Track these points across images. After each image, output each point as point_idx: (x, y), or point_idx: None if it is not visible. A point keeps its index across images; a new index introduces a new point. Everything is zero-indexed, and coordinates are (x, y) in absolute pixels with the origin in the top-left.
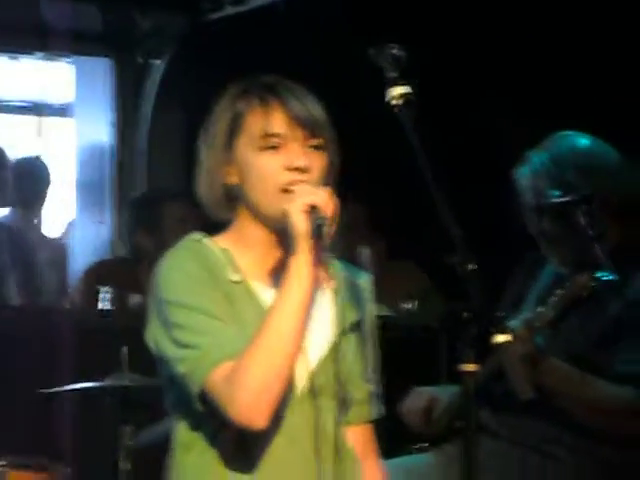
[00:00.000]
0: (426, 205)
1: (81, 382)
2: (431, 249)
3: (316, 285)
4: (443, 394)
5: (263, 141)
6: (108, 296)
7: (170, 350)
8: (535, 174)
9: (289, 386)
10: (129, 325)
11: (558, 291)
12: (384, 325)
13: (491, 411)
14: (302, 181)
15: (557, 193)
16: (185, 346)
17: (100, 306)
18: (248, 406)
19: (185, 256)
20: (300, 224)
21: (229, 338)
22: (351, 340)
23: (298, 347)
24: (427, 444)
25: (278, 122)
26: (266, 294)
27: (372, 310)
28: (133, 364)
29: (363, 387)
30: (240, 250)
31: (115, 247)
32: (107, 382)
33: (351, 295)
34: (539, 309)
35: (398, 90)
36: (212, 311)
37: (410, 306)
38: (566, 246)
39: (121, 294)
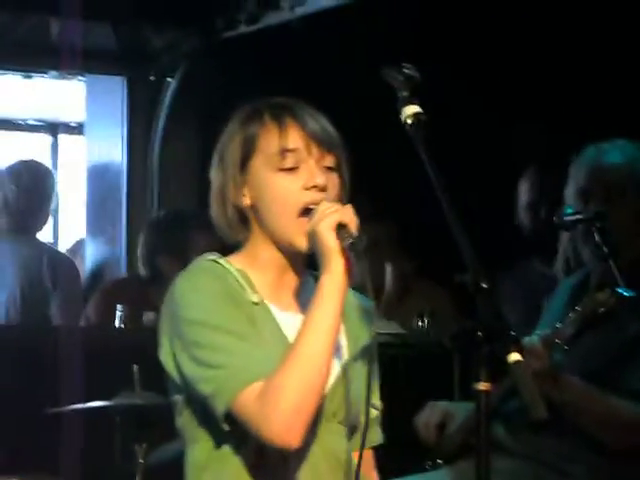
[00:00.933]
0: (439, 224)
1: (93, 400)
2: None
3: None
4: (458, 410)
5: (280, 159)
6: (121, 314)
7: (193, 370)
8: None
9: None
10: (141, 343)
11: (577, 307)
12: (398, 343)
13: (506, 428)
14: (323, 199)
15: (570, 210)
16: (211, 366)
17: (116, 324)
18: (283, 426)
19: (205, 276)
20: (331, 242)
21: (257, 359)
22: (359, 366)
23: (330, 365)
24: (440, 461)
25: (294, 138)
26: (281, 316)
27: (374, 335)
28: (145, 382)
29: (367, 412)
30: (254, 272)
31: (128, 265)
32: (119, 400)
33: (360, 320)
34: (557, 325)
35: (410, 109)
36: (238, 331)
37: (422, 324)
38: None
39: (134, 312)
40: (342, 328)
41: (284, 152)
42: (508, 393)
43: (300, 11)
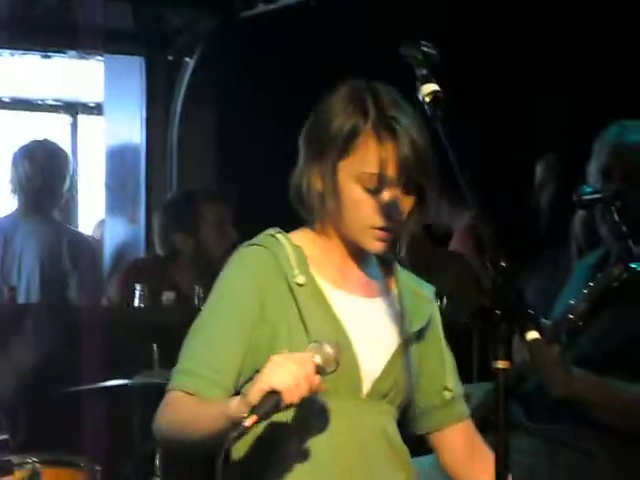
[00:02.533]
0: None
1: (113, 379)
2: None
3: (380, 292)
4: (475, 390)
5: (370, 179)
6: (141, 294)
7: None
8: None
9: (357, 390)
10: (161, 322)
11: (590, 283)
12: None
13: (524, 407)
14: (384, 228)
15: (589, 189)
16: (188, 352)
17: (135, 303)
18: (158, 434)
19: (253, 257)
20: (251, 396)
21: (207, 372)
22: (415, 348)
23: (201, 441)
24: None
25: (388, 166)
26: (334, 294)
27: (439, 321)
28: (164, 361)
29: (436, 394)
30: (314, 250)
31: (147, 245)
32: (138, 379)
33: (414, 304)
34: (571, 302)
35: (428, 87)
36: (227, 341)
37: (440, 304)
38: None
39: (153, 291)
40: (397, 310)
41: (379, 176)
42: (525, 370)
43: None
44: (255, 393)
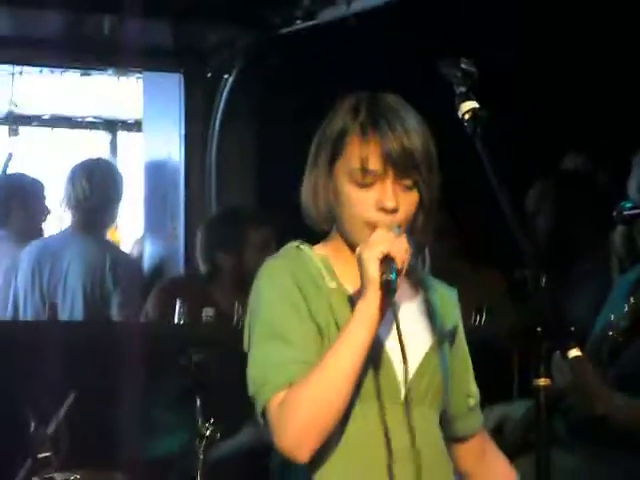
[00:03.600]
0: (498, 220)
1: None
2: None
3: (409, 297)
4: (514, 410)
5: (358, 175)
6: (180, 310)
7: (248, 364)
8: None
9: (394, 394)
10: (201, 339)
11: (631, 299)
12: None
13: (566, 425)
14: (388, 221)
15: (629, 204)
16: (255, 366)
17: (175, 320)
18: (293, 441)
19: (283, 269)
20: (373, 272)
21: (293, 361)
22: (444, 352)
23: (350, 389)
24: None
25: (374, 159)
26: None
27: (461, 324)
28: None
29: (461, 401)
30: (337, 259)
31: (186, 262)
32: (178, 396)
33: (442, 305)
34: (612, 318)
35: (468, 105)
36: (286, 331)
37: (480, 319)
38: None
39: (193, 308)
40: (425, 314)
41: (363, 170)
42: (566, 388)
43: (356, 7)
44: (371, 267)
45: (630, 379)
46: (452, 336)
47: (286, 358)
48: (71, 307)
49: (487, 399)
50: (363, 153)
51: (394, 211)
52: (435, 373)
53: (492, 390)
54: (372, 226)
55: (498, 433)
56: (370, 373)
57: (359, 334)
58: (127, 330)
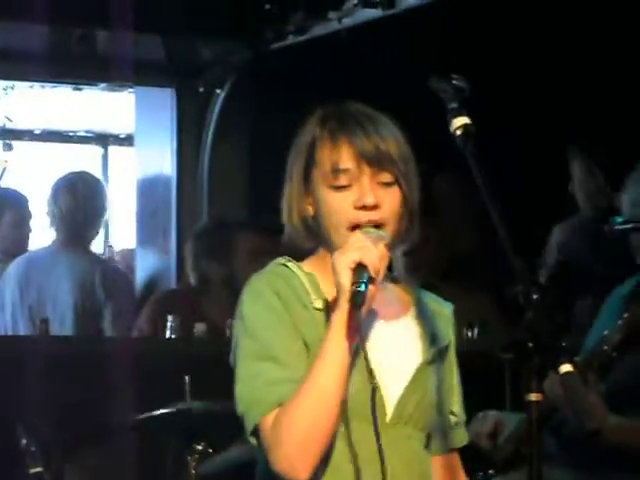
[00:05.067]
0: (488, 235)
1: (145, 411)
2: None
3: (398, 314)
4: (509, 419)
5: (332, 177)
6: (172, 325)
7: (235, 381)
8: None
9: (380, 415)
10: (193, 354)
11: (624, 314)
12: None
13: (558, 439)
14: (370, 219)
15: (621, 219)
16: (244, 385)
17: (167, 334)
18: (288, 461)
19: (268, 286)
20: (344, 281)
21: (283, 380)
22: (434, 370)
23: (338, 400)
24: (492, 472)
25: (346, 158)
26: None
27: (453, 340)
28: (196, 393)
29: (443, 417)
30: (323, 276)
31: (178, 276)
32: (170, 410)
33: (433, 324)
34: (605, 332)
35: (459, 121)
36: (275, 350)
37: (472, 334)
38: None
39: (185, 323)
40: (416, 332)
41: (336, 171)
42: (559, 403)
43: (348, 22)
44: (343, 276)
45: (622, 395)
46: (442, 355)
47: (276, 377)
48: (61, 322)
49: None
50: (334, 154)
51: (375, 207)
52: (423, 392)
53: (484, 405)
54: (355, 228)
55: (493, 437)
56: (356, 393)
57: (335, 346)
58: (119, 345)
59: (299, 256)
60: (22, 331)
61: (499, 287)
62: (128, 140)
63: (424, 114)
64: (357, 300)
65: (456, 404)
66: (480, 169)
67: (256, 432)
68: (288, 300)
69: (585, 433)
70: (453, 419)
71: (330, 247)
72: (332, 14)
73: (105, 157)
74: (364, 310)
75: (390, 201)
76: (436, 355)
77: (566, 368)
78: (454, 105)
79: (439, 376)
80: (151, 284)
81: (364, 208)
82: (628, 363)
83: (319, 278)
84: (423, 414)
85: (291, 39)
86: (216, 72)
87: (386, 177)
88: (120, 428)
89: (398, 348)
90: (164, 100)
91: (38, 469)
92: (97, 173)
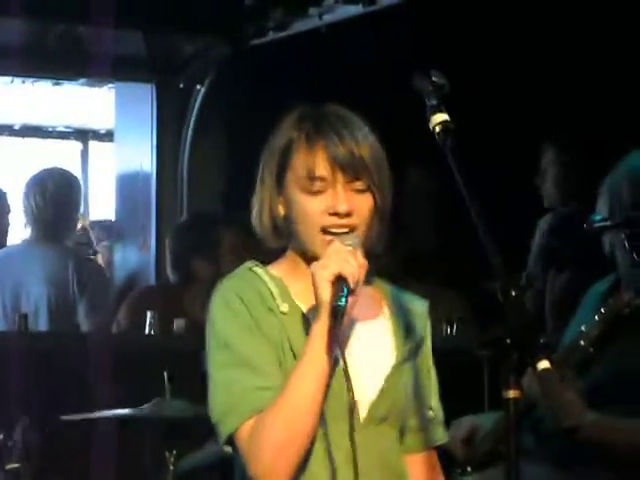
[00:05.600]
0: (467, 231)
1: (124, 407)
2: (471, 275)
3: (371, 315)
4: (484, 421)
5: (307, 183)
6: (151, 321)
7: (208, 388)
8: (606, 192)
9: (354, 414)
10: (172, 350)
11: (601, 309)
12: None
13: (535, 436)
14: (342, 225)
15: (599, 217)
16: (217, 393)
17: (146, 331)
18: (265, 469)
19: (233, 288)
20: (324, 295)
21: (260, 392)
22: (408, 368)
23: (317, 411)
24: (470, 469)
25: (321, 165)
26: None
27: (429, 336)
28: (176, 389)
29: (421, 414)
30: (293, 278)
31: (157, 272)
32: (149, 407)
33: (407, 321)
34: (582, 328)
35: (438, 117)
36: (251, 361)
37: (450, 331)
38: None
39: (164, 319)
40: (391, 330)
41: (311, 178)
42: (536, 399)
43: (328, 18)
44: (323, 289)
45: (600, 391)
46: (416, 351)
47: (251, 385)
48: (35, 317)
49: (458, 411)
50: (309, 160)
51: (348, 215)
52: (398, 392)
53: (463, 402)
54: (327, 233)
55: (468, 443)
56: (330, 395)
57: (316, 356)
58: (96, 341)
59: (280, 252)
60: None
61: (476, 284)
62: (108, 136)
63: (403, 110)
64: (338, 315)
65: (433, 399)
66: (458, 165)
67: (231, 440)
68: (253, 305)
69: (562, 430)
70: (430, 414)
71: (300, 249)
72: (312, 10)
73: (85, 153)
74: (346, 321)
75: (362, 208)
76: (411, 352)
77: (544, 365)
78: (433, 102)
79: (415, 373)
80: (130, 280)
81: (336, 214)
82: (606, 359)
83: (288, 281)
84: (399, 413)
85: (271, 35)
86: (196, 68)
87: (359, 184)
88: (97, 425)
89: (373, 348)
90: (144, 96)
91: (15, 465)
92: (76, 169)
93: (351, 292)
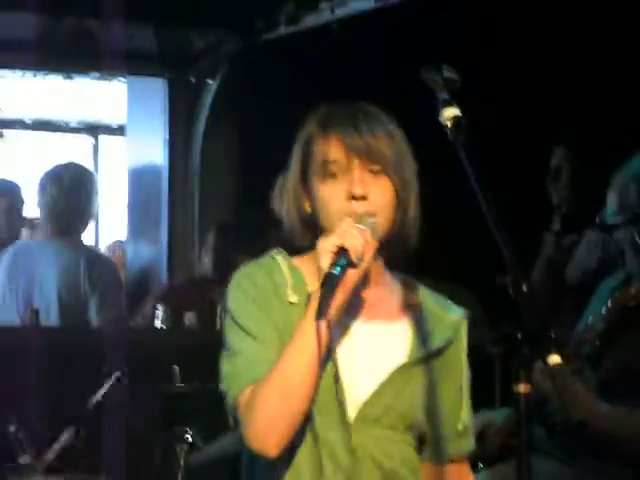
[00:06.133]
0: (477, 227)
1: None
2: (482, 270)
3: (392, 316)
4: (496, 416)
5: (322, 169)
6: (162, 315)
7: (221, 363)
8: (616, 190)
9: (341, 414)
10: (182, 344)
11: (608, 303)
12: None
13: (546, 430)
14: (360, 210)
15: (611, 212)
16: (227, 362)
17: (156, 324)
18: (257, 435)
19: (249, 273)
20: (323, 264)
21: (263, 362)
22: (422, 373)
23: (310, 385)
24: (481, 465)
25: (334, 150)
26: None
27: (461, 349)
28: (185, 382)
29: (451, 423)
30: (313, 271)
31: (169, 267)
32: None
33: (432, 328)
34: (589, 321)
35: (449, 112)
36: (257, 334)
37: None
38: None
39: (175, 313)
40: (408, 334)
41: (325, 163)
42: (546, 394)
43: (340, 13)
44: (323, 259)
45: (612, 384)
46: (435, 357)
47: (256, 356)
48: (47, 312)
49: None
50: (324, 147)
51: (364, 198)
52: (400, 393)
53: (475, 397)
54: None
55: (481, 439)
56: (320, 387)
57: (309, 328)
58: (109, 336)
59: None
60: (13, 321)
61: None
62: (119, 130)
63: (416, 105)
64: (330, 282)
65: (465, 412)
66: (471, 160)
67: (235, 408)
68: (265, 291)
69: (573, 424)
70: (460, 426)
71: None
72: (324, 4)
73: (96, 147)
74: (344, 296)
75: (379, 191)
76: (425, 360)
77: (554, 359)
78: (444, 96)
79: (430, 380)
80: (142, 275)
81: (353, 198)
82: (614, 353)
83: (307, 273)
84: (401, 416)
85: (282, 30)
86: (208, 62)
87: (376, 166)
88: (108, 417)
89: (377, 350)
90: (156, 90)
91: (27, 460)
92: (88, 163)
93: (353, 265)
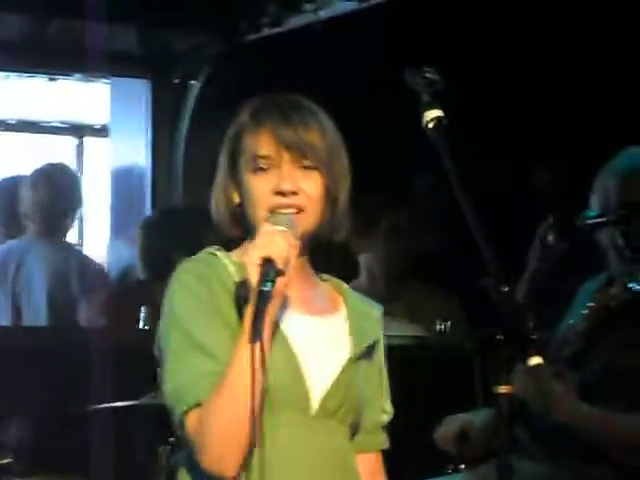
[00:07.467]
0: (459, 228)
1: (118, 402)
2: (464, 271)
3: (328, 311)
4: (477, 417)
5: (252, 163)
6: (145, 315)
7: (163, 370)
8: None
9: (305, 407)
10: None
11: (589, 303)
12: (418, 346)
13: (527, 431)
14: (288, 205)
15: (593, 213)
16: (171, 377)
17: (140, 325)
18: (215, 461)
19: (193, 271)
20: (252, 278)
21: (207, 373)
22: (362, 367)
23: (254, 403)
24: (462, 466)
25: (265, 144)
26: (279, 311)
27: (382, 340)
28: None
29: (373, 415)
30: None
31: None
32: (142, 401)
33: (363, 323)
34: (571, 322)
35: (432, 113)
36: (199, 339)
37: (443, 327)
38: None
39: (158, 313)
40: (345, 329)
41: (256, 157)
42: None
43: (324, 14)
44: (251, 275)
45: (594, 385)
46: (370, 352)
47: (205, 370)
48: (36, 312)
49: (450, 408)
50: (255, 141)
51: (293, 194)
52: (349, 388)
53: (455, 398)
54: (273, 212)
55: (462, 440)
56: (281, 384)
57: (245, 352)
58: (93, 336)
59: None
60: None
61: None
62: (103, 131)
63: (400, 106)
64: (263, 300)
65: (387, 403)
66: (451, 161)
67: (182, 425)
68: (211, 286)
69: (554, 425)
70: (385, 417)
71: (254, 234)
72: (308, 6)
73: (80, 148)
74: (279, 301)
75: (310, 187)
76: (365, 352)
77: (535, 360)
78: (427, 97)
79: (367, 374)
80: (124, 275)
81: (282, 194)
82: (598, 353)
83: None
84: (349, 409)
85: (266, 31)
86: (191, 63)
87: (306, 162)
88: (92, 418)
89: (326, 344)
90: (139, 91)
91: (8, 460)
92: (72, 164)
93: (280, 273)
